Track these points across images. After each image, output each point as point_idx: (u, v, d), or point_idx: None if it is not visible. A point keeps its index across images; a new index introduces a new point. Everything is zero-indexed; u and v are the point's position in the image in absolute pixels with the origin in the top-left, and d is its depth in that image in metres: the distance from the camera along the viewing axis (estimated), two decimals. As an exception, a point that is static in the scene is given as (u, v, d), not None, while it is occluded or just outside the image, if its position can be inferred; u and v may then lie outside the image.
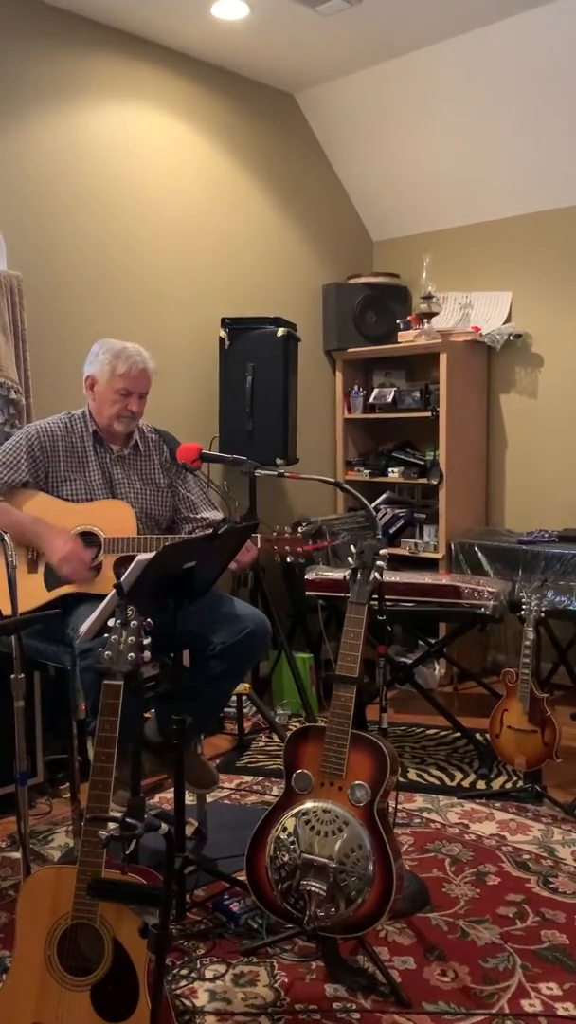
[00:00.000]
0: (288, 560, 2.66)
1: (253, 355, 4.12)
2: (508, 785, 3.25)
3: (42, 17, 3.60)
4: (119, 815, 1.63)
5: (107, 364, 2.79)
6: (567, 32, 3.71)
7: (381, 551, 2.31)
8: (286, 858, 2.11)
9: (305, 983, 2.13)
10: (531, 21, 3.75)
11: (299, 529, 2.66)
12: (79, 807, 2.77)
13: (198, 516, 2.93)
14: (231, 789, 3.26)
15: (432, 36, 3.97)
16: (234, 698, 3.68)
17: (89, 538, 2.71)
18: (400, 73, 4.24)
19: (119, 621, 1.88)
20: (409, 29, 3.90)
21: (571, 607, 3.69)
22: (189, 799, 2.75)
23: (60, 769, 3.25)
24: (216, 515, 2.95)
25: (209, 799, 3.03)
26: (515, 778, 3.28)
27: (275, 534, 2.66)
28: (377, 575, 2.28)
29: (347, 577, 2.31)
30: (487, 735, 3.27)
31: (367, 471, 4.80)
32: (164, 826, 1.60)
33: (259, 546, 2.68)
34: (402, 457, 4.68)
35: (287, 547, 2.65)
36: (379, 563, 2.29)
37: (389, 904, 2.04)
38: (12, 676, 2.33)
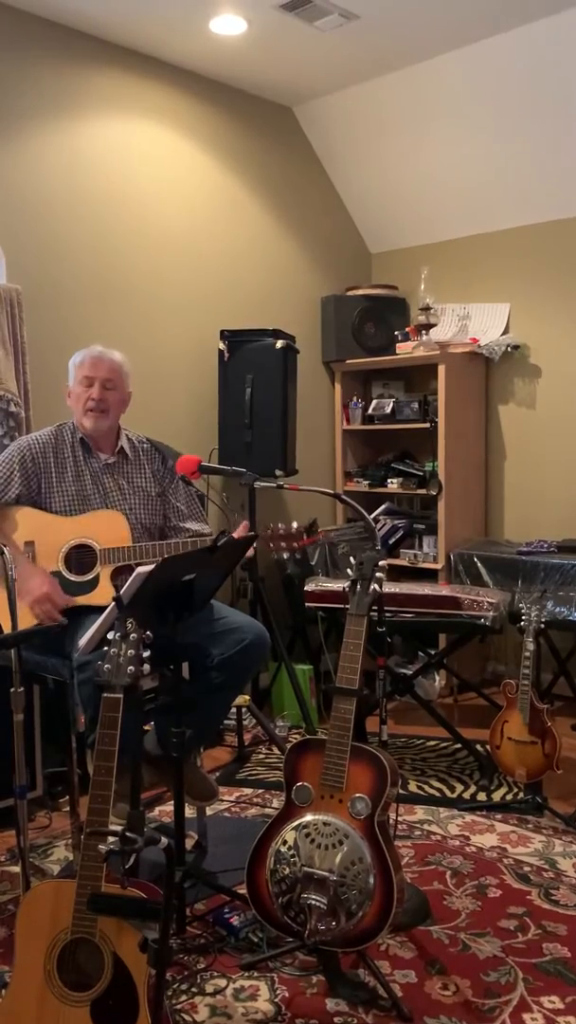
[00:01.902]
0: (284, 556, 2.67)
1: (252, 367, 4.13)
2: (509, 797, 3.24)
3: (42, 32, 3.63)
4: (119, 829, 1.63)
5: (72, 366, 2.89)
6: (564, 46, 3.74)
7: (380, 562, 2.31)
8: (286, 871, 2.10)
9: (306, 997, 2.12)
10: (528, 35, 3.77)
11: (292, 525, 2.67)
12: (79, 821, 2.76)
13: (184, 526, 2.93)
14: (231, 802, 3.25)
15: (429, 50, 4.00)
16: (234, 710, 3.68)
17: (85, 550, 2.71)
18: (398, 86, 4.27)
19: (118, 634, 1.88)
20: (406, 43, 3.92)
21: (571, 617, 3.69)
22: (189, 812, 2.75)
23: (59, 782, 3.24)
24: (203, 527, 2.96)
25: (209, 812, 3.03)
26: (516, 790, 3.27)
27: (269, 531, 2.66)
28: (376, 586, 2.28)
29: (346, 588, 2.31)
30: (487, 746, 3.27)
31: (366, 482, 4.80)
32: (164, 839, 1.60)
33: (254, 544, 2.67)
34: (401, 468, 4.69)
35: (283, 543, 2.65)
36: (378, 574, 2.29)
37: (390, 917, 2.03)
38: (11, 689, 2.33)
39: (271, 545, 2.66)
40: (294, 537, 2.64)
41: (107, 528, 2.73)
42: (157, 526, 2.93)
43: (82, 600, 2.66)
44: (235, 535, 2.63)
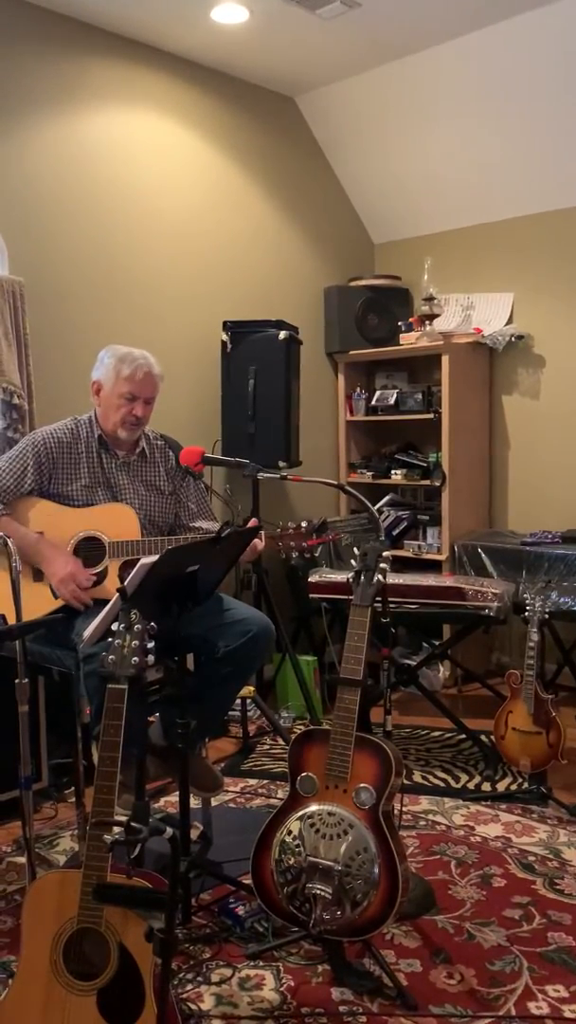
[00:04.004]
0: (293, 556, 2.66)
1: (255, 358, 4.12)
2: (513, 787, 3.24)
3: (43, 23, 3.61)
4: (124, 819, 1.64)
5: (112, 368, 2.78)
6: (567, 34, 3.71)
7: (384, 553, 2.31)
8: (291, 861, 2.11)
9: (311, 986, 2.12)
10: (530, 23, 3.75)
11: (302, 524, 2.66)
12: (84, 811, 2.77)
13: (194, 525, 2.93)
14: (236, 792, 3.26)
15: (432, 39, 3.98)
16: (238, 701, 3.68)
17: (93, 543, 2.71)
18: (400, 76, 4.25)
19: (122, 625, 1.88)
20: (409, 32, 3.90)
21: (575, 608, 3.69)
22: (194, 803, 2.75)
23: (65, 773, 3.25)
24: (212, 525, 2.95)
25: (214, 803, 3.03)
26: (520, 780, 3.27)
27: (279, 531, 2.65)
28: (380, 577, 2.28)
29: (350, 579, 2.30)
30: (492, 737, 3.27)
31: (370, 473, 4.80)
32: (169, 830, 1.60)
33: (264, 542, 2.67)
34: (405, 459, 4.68)
35: (292, 543, 2.64)
36: (382, 565, 2.29)
37: (395, 907, 2.03)
38: (16, 681, 2.33)
39: (280, 544, 2.65)
40: (303, 536, 2.64)
41: (117, 521, 2.73)
42: (168, 524, 2.93)
43: (89, 593, 2.66)
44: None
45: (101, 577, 2.69)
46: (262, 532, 2.65)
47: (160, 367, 2.85)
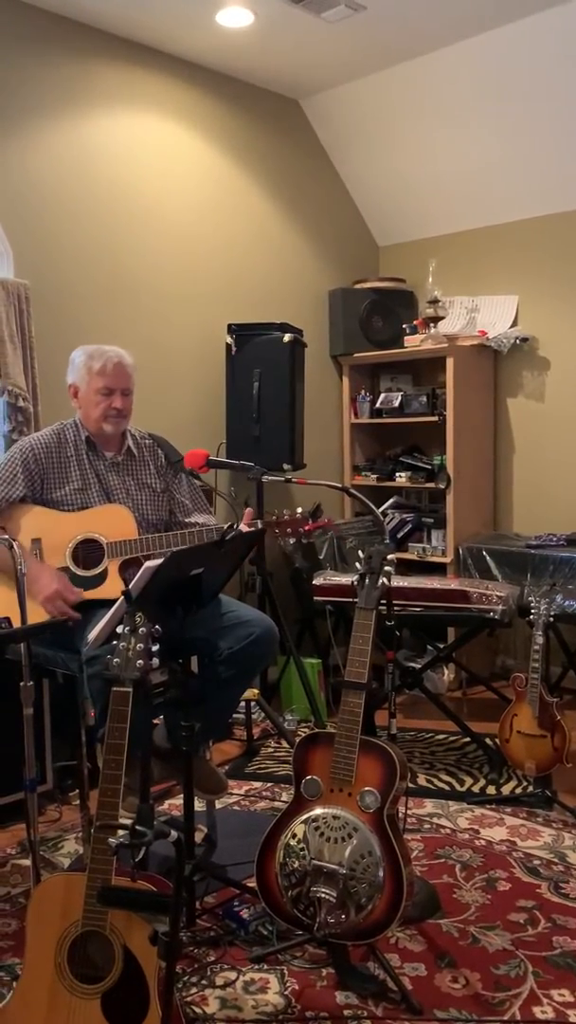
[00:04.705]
0: (291, 542, 2.65)
1: (260, 361, 4.13)
2: (518, 790, 3.24)
3: (48, 26, 3.62)
4: (128, 822, 1.63)
5: (83, 366, 2.80)
6: (570, 37, 3.71)
7: (389, 556, 2.31)
8: (296, 864, 2.11)
9: (316, 990, 2.12)
10: (534, 25, 3.75)
11: (298, 511, 2.66)
12: (89, 814, 2.77)
13: (189, 520, 2.93)
14: (240, 795, 3.26)
15: (436, 41, 3.98)
16: (243, 704, 3.68)
17: (92, 545, 2.71)
18: (405, 78, 4.25)
19: (127, 628, 1.88)
20: (413, 35, 3.90)
21: (580, 611, 3.68)
22: (198, 805, 2.75)
23: (69, 776, 3.25)
24: (208, 519, 2.95)
25: (218, 805, 3.03)
26: (525, 783, 3.26)
27: (275, 518, 2.65)
28: (385, 580, 2.28)
29: (355, 582, 2.30)
30: (497, 740, 3.26)
31: (374, 476, 4.80)
32: (173, 833, 1.60)
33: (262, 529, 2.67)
34: (409, 462, 4.68)
35: (288, 529, 2.64)
36: (387, 568, 2.29)
37: (399, 910, 2.03)
38: (21, 683, 2.33)
39: (276, 531, 2.64)
40: (299, 523, 2.63)
41: (113, 522, 2.73)
42: (163, 521, 2.93)
43: (91, 594, 2.66)
44: (242, 524, 2.64)
45: (102, 578, 2.69)
46: (258, 522, 2.65)
47: (132, 357, 2.84)
